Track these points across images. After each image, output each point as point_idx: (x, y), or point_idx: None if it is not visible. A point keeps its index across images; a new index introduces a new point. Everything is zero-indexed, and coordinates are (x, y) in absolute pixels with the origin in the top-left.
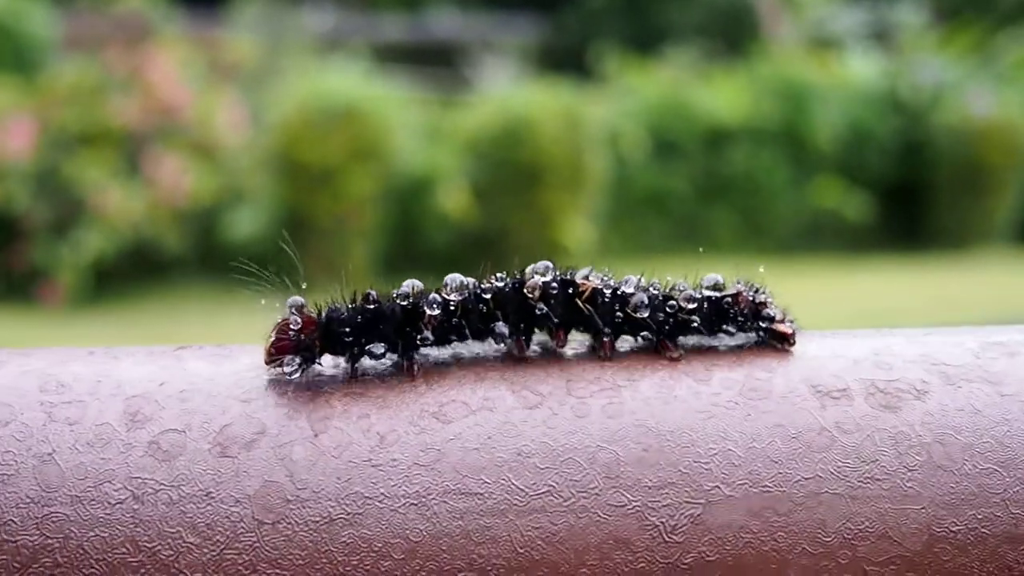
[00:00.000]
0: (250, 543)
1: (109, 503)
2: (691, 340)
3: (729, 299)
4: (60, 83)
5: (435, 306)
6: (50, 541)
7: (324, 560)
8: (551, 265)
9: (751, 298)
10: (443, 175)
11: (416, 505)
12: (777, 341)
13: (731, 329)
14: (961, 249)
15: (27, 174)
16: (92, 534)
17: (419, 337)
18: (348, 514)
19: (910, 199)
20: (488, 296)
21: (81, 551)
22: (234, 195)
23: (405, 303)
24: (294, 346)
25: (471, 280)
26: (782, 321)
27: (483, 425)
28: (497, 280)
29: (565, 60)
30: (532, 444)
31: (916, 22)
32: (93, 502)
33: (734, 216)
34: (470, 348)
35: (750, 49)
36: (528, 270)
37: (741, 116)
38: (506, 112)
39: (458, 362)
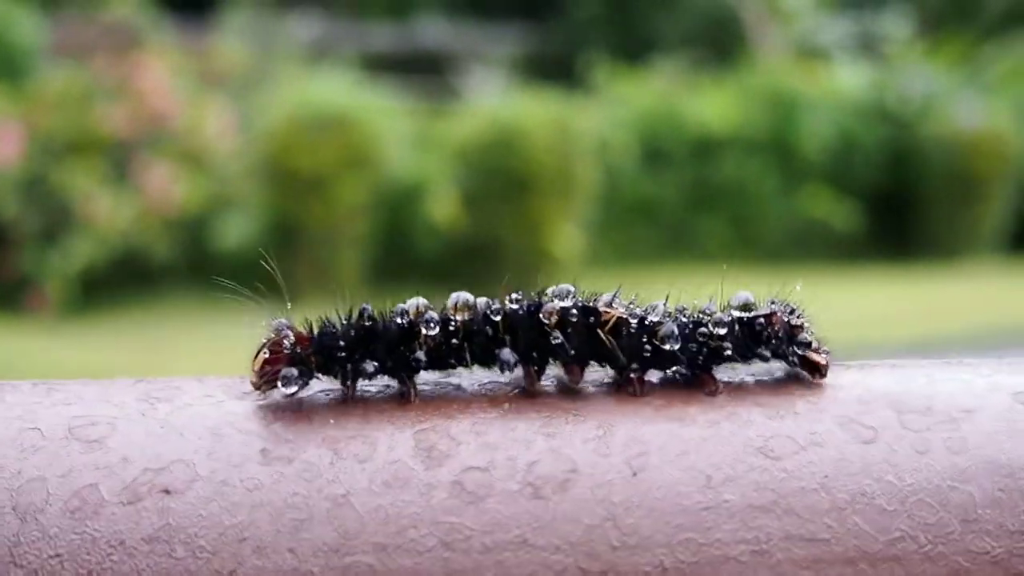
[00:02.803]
0: None
1: (417, 551)
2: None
3: (762, 320)
4: (48, 90)
5: (433, 325)
6: None
7: None
8: (573, 289)
9: (786, 320)
10: (433, 184)
11: (757, 552)
12: (808, 371)
13: (766, 354)
14: (950, 258)
15: (16, 182)
16: None
17: (412, 358)
18: (683, 563)
19: (899, 209)
20: (497, 318)
21: None
22: (224, 203)
23: (401, 320)
24: (289, 360)
25: (482, 299)
26: (816, 350)
27: (816, 463)
28: (511, 301)
29: (553, 70)
30: (874, 484)
31: (902, 33)
32: (399, 550)
33: (723, 225)
34: (473, 375)
35: (738, 59)
36: (548, 292)
37: (730, 125)
38: (496, 121)
39: (781, 390)
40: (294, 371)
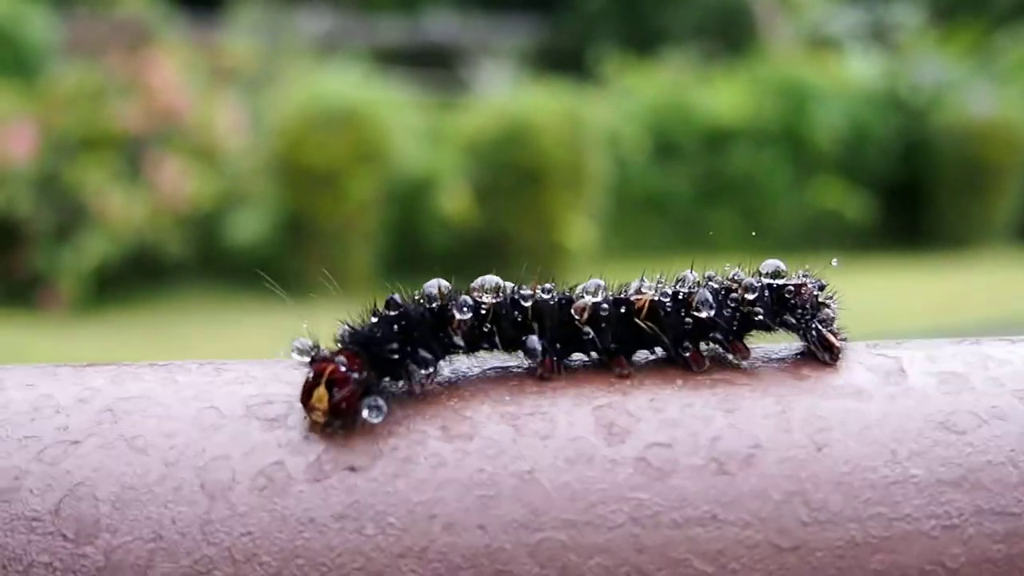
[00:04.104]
0: (768, 571)
1: (607, 528)
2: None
3: (792, 288)
4: (61, 87)
5: (466, 309)
6: (547, 571)
7: None
8: (602, 284)
9: (815, 293)
10: (443, 178)
11: (949, 527)
12: (822, 349)
13: (791, 320)
14: (962, 249)
15: (29, 179)
16: (593, 562)
17: (451, 343)
18: (874, 537)
19: (911, 199)
20: (527, 304)
21: None
22: (235, 199)
23: (432, 306)
24: (362, 390)
25: (509, 284)
26: (835, 332)
27: (1001, 437)
28: (543, 291)
29: (563, 62)
30: None
31: (914, 22)
32: (588, 526)
33: (734, 217)
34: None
35: (748, 50)
36: (579, 289)
37: (741, 117)
38: (506, 114)
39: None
40: (378, 400)
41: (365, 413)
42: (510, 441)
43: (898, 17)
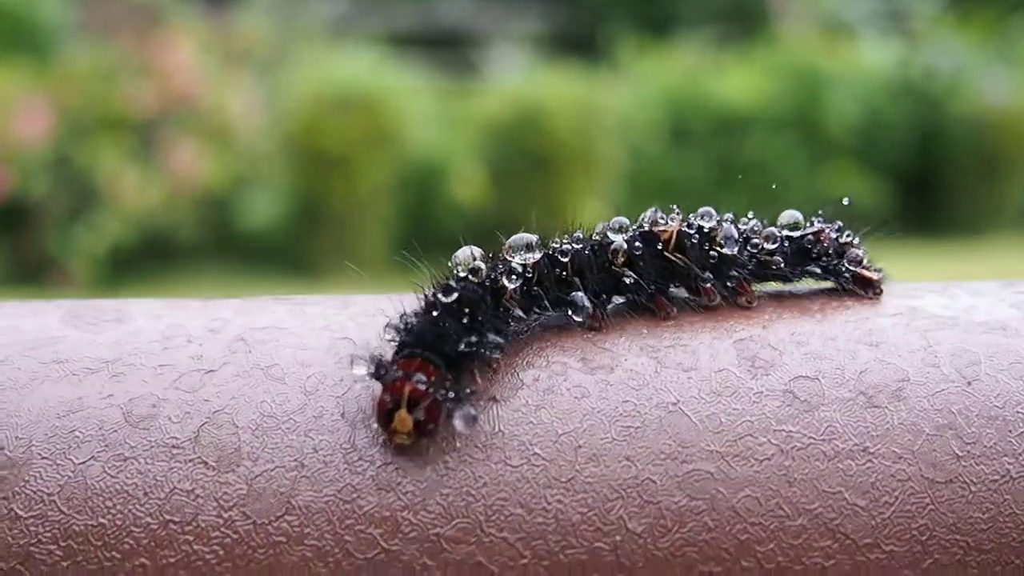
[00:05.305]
0: (922, 504)
1: (756, 459)
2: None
3: (811, 237)
4: (75, 68)
5: (514, 276)
6: (696, 503)
7: (1008, 524)
8: (627, 221)
9: (834, 236)
10: (457, 162)
11: None
12: (861, 288)
13: (815, 270)
14: (976, 236)
15: (44, 160)
16: (742, 494)
17: (511, 314)
18: None
19: (925, 186)
20: (566, 259)
21: (732, 513)
22: (249, 182)
23: (483, 281)
24: (450, 402)
25: (534, 237)
26: (867, 267)
27: None
28: (574, 240)
29: (577, 46)
30: None
31: (930, 9)
32: (737, 458)
33: (748, 203)
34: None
35: (762, 35)
36: (599, 228)
37: (755, 103)
38: (519, 99)
39: None
40: (470, 410)
41: (459, 426)
42: (653, 373)
43: (914, 4)
